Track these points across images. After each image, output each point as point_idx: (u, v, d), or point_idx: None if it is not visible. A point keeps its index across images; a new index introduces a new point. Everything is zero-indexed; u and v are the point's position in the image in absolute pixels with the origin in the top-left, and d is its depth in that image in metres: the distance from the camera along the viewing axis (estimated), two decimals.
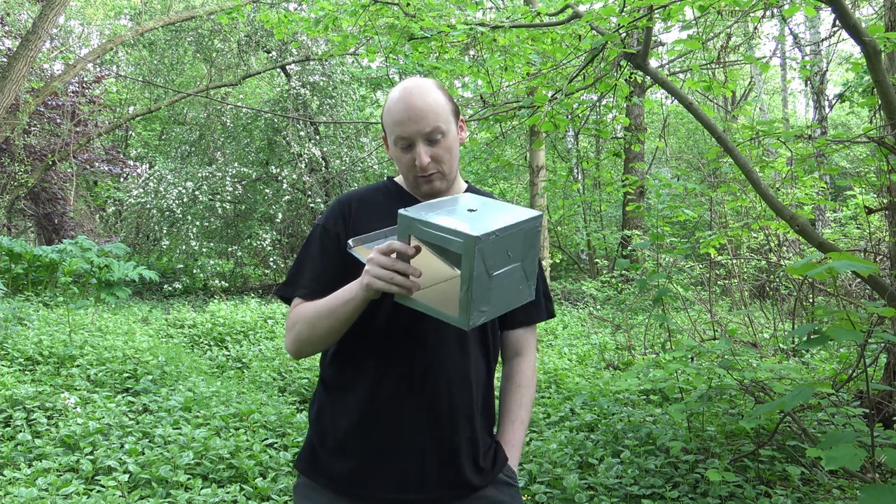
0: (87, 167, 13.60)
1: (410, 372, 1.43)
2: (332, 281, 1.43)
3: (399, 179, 1.58)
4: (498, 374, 1.65)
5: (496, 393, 1.63)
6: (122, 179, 16.17)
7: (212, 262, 12.05)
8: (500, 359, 1.66)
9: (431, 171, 1.45)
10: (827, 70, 11.83)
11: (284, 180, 12.41)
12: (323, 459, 1.47)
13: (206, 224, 12.27)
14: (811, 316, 5.14)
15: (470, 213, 1.25)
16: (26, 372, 4.83)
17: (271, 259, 12.38)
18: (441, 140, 1.43)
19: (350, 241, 1.40)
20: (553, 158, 15.65)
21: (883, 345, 3.51)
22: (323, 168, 13.19)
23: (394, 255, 1.24)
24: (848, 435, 1.90)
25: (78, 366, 4.88)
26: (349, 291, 1.34)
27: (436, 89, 1.45)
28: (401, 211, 1.23)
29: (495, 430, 1.62)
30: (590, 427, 4.05)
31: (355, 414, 1.45)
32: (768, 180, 5.26)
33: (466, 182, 1.62)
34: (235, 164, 12.71)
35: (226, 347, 6.82)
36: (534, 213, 1.25)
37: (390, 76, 8.90)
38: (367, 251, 1.35)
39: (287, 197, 12.60)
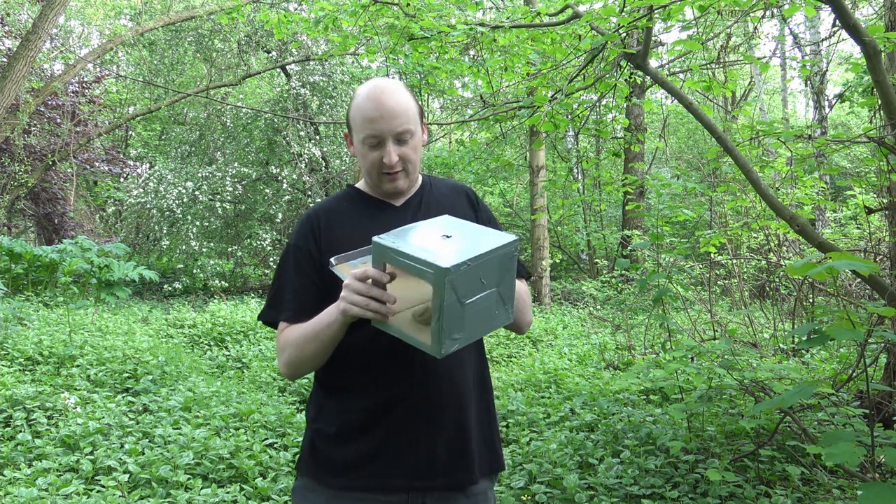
0: (87, 167, 13.59)
1: (399, 381, 1.45)
2: (312, 299, 1.46)
3: (360, 185, 1.61)
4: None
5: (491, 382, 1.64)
6: (122, 179, 16.15)
7: (212, 262, 12.05)
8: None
9: (398, 168, 1.48)
10: (827, 70, 11.82)
11: (284, 180, 12.41)
12: (325, 451, 1.49)
13: (206, 224, 12.27)
14: (811, 316, 5.13)
15: (444, 240, 1.24)
16: (26, 372, 4.83)
17: (271, 259, 12.37)
18: (409, 140, 1.47)
19: (332, 260, 1.40)
20: (553, 158, 15.64)
21: (883, 345, 3.51)
22: (323, 168, 13.19)
23: (369, 281, 1.25)
24: (848, 434, 1.90)
25: (78, 366, 4.88)
26: (329, 315, 1.37)
27: (404, 90, 1.49)
28: (374, 238, 1.23)
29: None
30: (590, 427, 4.05)
31: (352, 413, 1.47)
32: (768, 180, 5.26)
33: (422, 174, 1.62)
34: (235, 164, 12.71)
35: (226, 347, 6.83)
36: (509, 237, 1.24)
37: (390, 76, 8.90)
38: (350, 269, 1.35)
39: (287, 197, 12.61)
